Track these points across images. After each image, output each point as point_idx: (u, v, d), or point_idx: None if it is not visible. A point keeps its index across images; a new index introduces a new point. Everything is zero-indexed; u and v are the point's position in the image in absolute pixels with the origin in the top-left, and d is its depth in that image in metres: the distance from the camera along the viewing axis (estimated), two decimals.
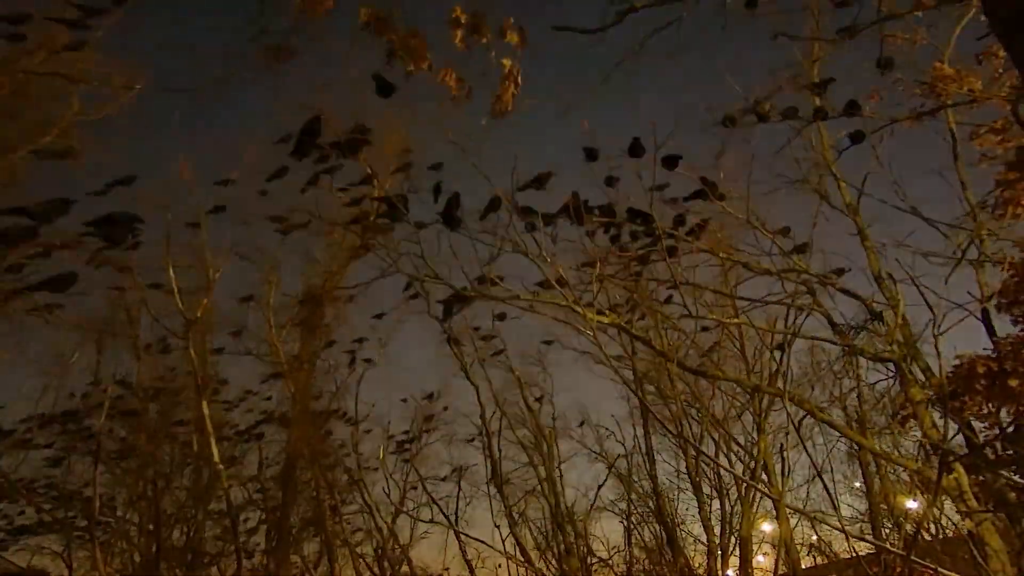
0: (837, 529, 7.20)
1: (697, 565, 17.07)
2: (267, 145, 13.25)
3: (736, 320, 9.46)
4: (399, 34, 5.09)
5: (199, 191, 13.73)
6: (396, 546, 15.96)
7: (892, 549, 7.51)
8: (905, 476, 12.93)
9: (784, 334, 8.95)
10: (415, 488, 17.46)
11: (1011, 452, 8.26)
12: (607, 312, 8.29)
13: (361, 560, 16.40)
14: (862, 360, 11.16)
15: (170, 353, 15.09)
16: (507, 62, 5.31)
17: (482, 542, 14.07)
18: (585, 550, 17.24)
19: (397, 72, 5.54)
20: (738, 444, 15.93)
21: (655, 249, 8.54)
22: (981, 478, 8.58)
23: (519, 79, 5.39)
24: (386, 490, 16.21)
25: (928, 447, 9.27)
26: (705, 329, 11.68)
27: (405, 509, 16.74)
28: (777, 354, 9.80)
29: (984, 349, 8.32)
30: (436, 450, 17.88)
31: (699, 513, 16.13)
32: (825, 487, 14.82)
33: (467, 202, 9.08)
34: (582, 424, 18.33)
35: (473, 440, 17.17)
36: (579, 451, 18.67)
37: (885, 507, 15.29)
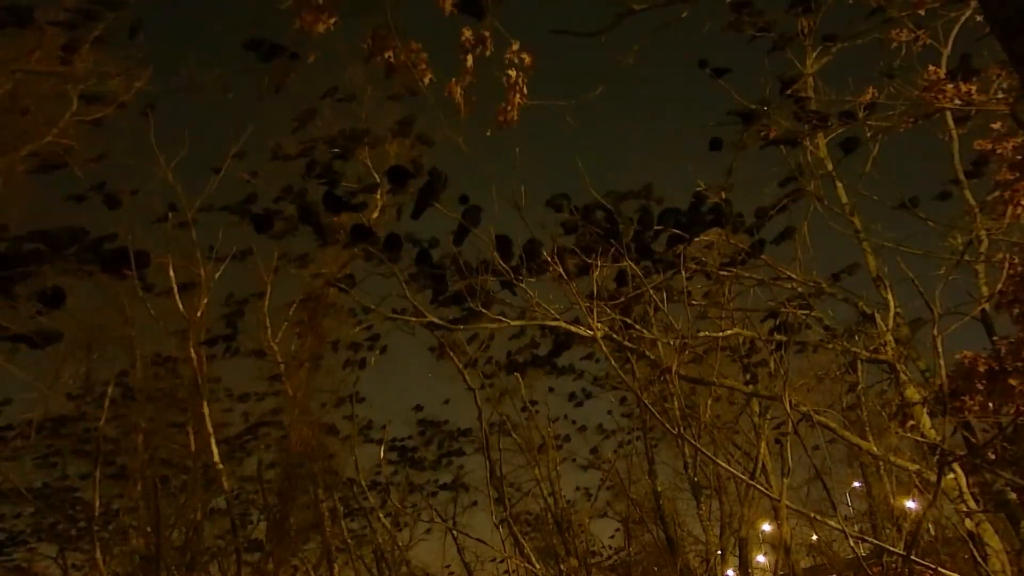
0: (837, 529, 7.18)
1: (697, 565, 17.08)
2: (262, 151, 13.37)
3: (730, 331, 9.52)
4: (398, 49, 5.08)
5: (191, 191, 13.85)
6: (396, 547, 15.95)
7: (892, 549, 7.49)
8: (905, 476, 12.92)
9: (778, 342, 8.99)
10: (414, 491, 17.52)
11: (1011, 452, 8.25)
12: (598, 326, 8.33)
13: (360, 561, 16.42)
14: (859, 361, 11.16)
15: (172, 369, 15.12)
16: (512, 73, 5.30)
17: (481, 542, 14.07)
18: (585, 550, 17.23)
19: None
20: (736, 446, 15.93)
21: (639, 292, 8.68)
22: (981, 480, 8.58)
23: (524, 90, 5.39)
24: (385, 493, 16.24)
25: (926, 448, 9.27)
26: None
27: (404, 511, 16.76)
28: (776, 356, 9.83)
29: (984, 349, 8.32)
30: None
31: (698, 514, 16.11)
32: (825, 487, 14.80)
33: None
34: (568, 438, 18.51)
35: (475, 451, 17.28)
36: (575, 456, 18.83)
37: (885, 507, 15.27)
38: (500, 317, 8.80)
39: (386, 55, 5.18)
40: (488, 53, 5.21)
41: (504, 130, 5.50)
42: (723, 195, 9.59)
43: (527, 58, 5.19)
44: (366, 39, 5.20)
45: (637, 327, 8.95)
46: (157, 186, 13.18)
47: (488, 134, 5.62)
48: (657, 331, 8.86)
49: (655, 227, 9.13)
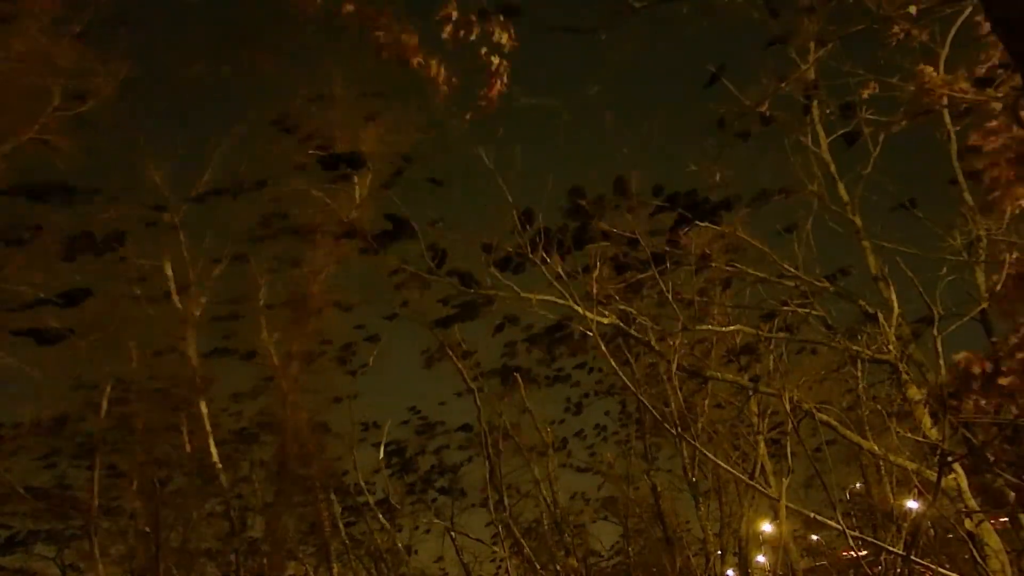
0: (837, 529, 7.18)
1: (697, 565, 17.04)
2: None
3: (731, 328, 9.52)
4: (388, 29, 5.00)
5: (177, 189, 13.90)
6: (395, 545, 15.91)
7: (892, 549, 7.48)
8: (904, 476, 12.89)
9: (776, 339, 8.99)
10: (412, 492, 17.48)
11: (1011, 452, 8.23)
12: (606, 313, 8.35)
13: (359, 562, 16.35)
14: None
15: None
16: (495, 59, 5.20)
17: (480, 542, 14.05)
18: (584, 550, 17.19)
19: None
20: (735, 447, 15.88)
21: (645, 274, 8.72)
22: (981, 480, 8.56)
23: (506, 76, 5.30)
24: (385, 492, 16.20)
25: (927, 447, 9.27)
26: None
27: (403, 512, 16.72)
28: (777, 353, 9.83)
29: (981, 351, 8.30)
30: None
31: (697, 514, 16.07)
32: (825, 488, 14.76)
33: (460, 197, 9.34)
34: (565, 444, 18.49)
35: (471, 460, 17.26)
36: (571, 462, 18.82)
37: (885, 507, 15.25)
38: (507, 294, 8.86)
39: (376, 33, 5.09)
40: (473, 37, 5.09)
41: (483, 115, 5.44)
42: (718, 176, 9.58)
43: (506, 38, 5.08)
44: (357, 17, 5.10)
45: (641, 316, 8.99)
46: (144, 183, 13.23)
47: (467, 117, 5.55)
48: (657, 328, 8.89)
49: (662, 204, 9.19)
